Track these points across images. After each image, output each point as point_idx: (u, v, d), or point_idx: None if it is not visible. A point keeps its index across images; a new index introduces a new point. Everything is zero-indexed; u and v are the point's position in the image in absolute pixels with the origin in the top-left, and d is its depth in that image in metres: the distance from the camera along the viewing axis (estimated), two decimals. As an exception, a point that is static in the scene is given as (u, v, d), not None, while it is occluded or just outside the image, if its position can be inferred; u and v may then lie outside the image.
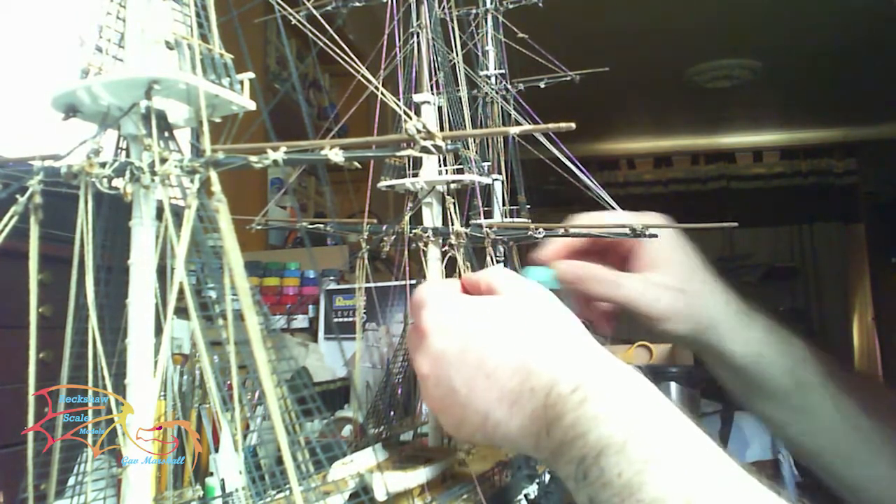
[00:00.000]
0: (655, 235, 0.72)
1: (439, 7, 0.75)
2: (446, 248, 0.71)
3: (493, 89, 1.03)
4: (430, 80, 0.72)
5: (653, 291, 0.69)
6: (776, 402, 0.73)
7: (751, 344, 0.72)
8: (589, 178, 0.84)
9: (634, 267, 0.72)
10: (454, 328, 0.56)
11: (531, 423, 0.50)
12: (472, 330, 0.55)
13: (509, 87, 1.08)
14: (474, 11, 1.05)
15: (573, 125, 0.34)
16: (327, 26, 0.60)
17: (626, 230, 0.63)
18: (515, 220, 1.14)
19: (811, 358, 0.74)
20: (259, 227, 0.76)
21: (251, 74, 0.41)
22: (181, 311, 0.38)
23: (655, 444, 0.42)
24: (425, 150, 0.33)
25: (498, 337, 0.54)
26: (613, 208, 0.72)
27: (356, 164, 0.33)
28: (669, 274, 0.70)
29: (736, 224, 0.59)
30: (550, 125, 0.36)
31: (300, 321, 1.78)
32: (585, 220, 0.73)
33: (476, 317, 0.56)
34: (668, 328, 0.70)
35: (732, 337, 0.72)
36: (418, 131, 0.32)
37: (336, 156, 0.33)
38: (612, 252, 0.74)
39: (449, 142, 0.34)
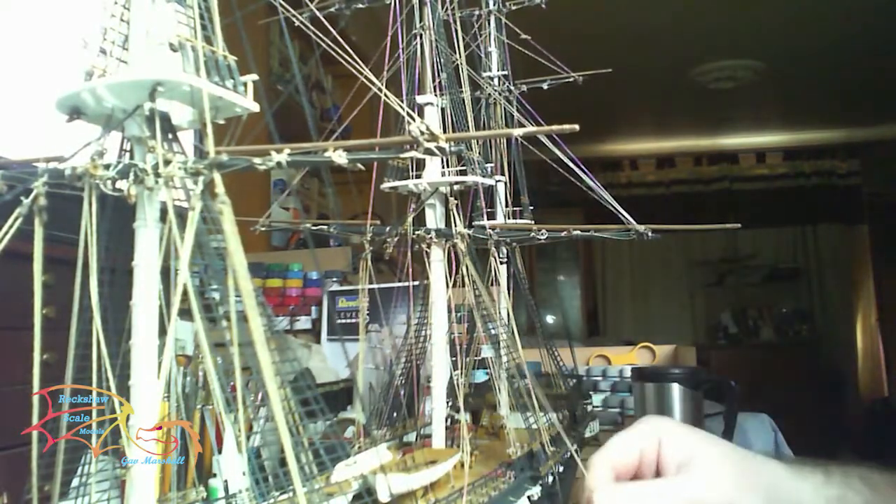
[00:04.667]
0: (658, 236, 0.72)
1: (442, 9, 0.75)
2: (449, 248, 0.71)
3: (495, 90, 1.03)
4: (434, 81, 0.72)
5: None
6: None
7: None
8: (592, 180, 0.84)
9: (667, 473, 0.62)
10: None
11: None
12: None
13: (512, 88, 1.08)
14: (477, 13, 1.04)
15: (576, 127, 0.34)
16: (330, 28, 0.60)
17: (630, 231, 0.63)
18: (518, 221, 1.14)
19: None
20: (263, 230, 0.76)
21: (255, 76, 0.41)
22: (184, 313, 0.38)
23: None
24: (429, 152, 0.33)
25: None
26: (616, 209, 0.72)
27: (360, 165, 0.33)
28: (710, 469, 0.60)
29: (739, 226, 0.58)
30: (554, 127, 0.36)
31: (303, 322, 1.78)
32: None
33: None
34: None
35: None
36: (422, 133, 0.32)
37: (340, 158, 0.33)
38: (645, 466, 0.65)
39: (452, 144, 0.34)
